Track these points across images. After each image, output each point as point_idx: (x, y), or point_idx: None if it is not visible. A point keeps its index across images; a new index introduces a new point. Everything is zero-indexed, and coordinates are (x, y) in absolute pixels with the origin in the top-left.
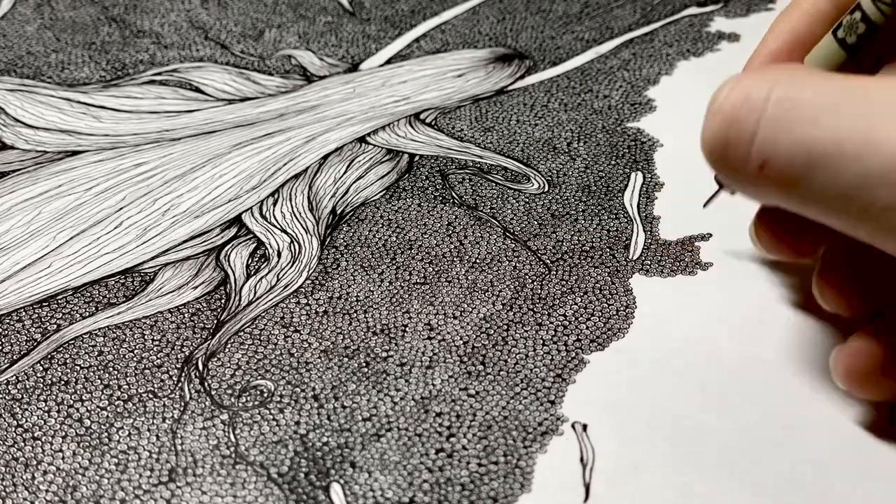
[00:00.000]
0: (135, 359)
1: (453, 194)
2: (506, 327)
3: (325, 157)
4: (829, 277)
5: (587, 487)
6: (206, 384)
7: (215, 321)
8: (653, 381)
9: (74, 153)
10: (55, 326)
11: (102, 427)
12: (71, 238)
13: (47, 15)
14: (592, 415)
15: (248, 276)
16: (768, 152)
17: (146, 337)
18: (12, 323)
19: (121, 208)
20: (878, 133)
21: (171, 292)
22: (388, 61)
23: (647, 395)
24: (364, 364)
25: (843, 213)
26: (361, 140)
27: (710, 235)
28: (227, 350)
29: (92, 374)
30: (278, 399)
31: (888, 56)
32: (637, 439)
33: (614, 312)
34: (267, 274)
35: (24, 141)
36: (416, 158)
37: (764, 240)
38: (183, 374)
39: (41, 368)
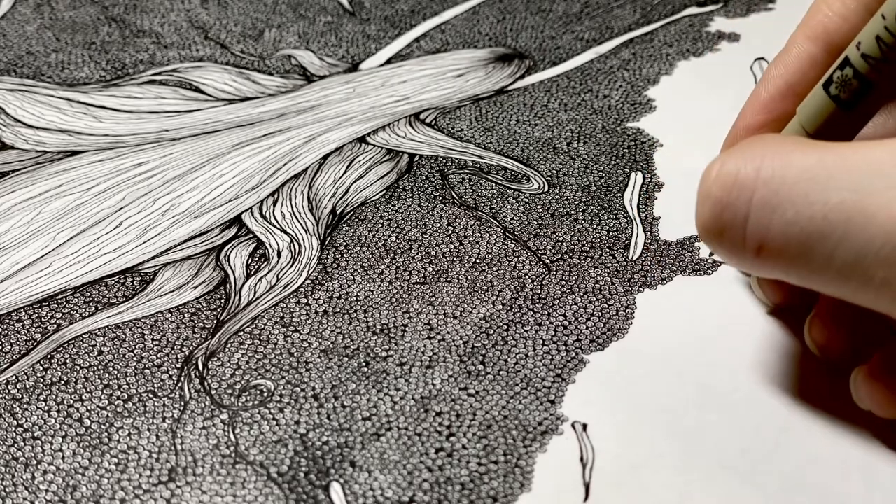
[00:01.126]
0: (135, 358)
1: (453, 194)
2: (506, 327)
3: (325, 157)
4: (825, 322)
5: (587, 487)
6: (205, 384)
7: (215, 321)
8: (653, 381)
9: (74, 153)
10: (55, 326)
11: (102, 427)
12: (71, 238)
13: (47, 15)
14: (592, 414)
15: (248, 276)
16: (763, 235)
17: (146, 337)
18: (12, 323)
19: (120, 208)
20: (868, 207)
21: (170, 292)
22: (388, 61)
23: (647, 394)
24: (364, 364)
25: (842, 288)
26: (361, 140)
27: None
28: (226, 350)
29: (92, 373)
30: (278, 398)
31: (872, 108)
32: (637, 439)
33: (614, 313)
34: (267, 274)
35: (24, 141)
36: (416, 158)
37: (766, 288)
38: (183, 374)
39: (41, 368)
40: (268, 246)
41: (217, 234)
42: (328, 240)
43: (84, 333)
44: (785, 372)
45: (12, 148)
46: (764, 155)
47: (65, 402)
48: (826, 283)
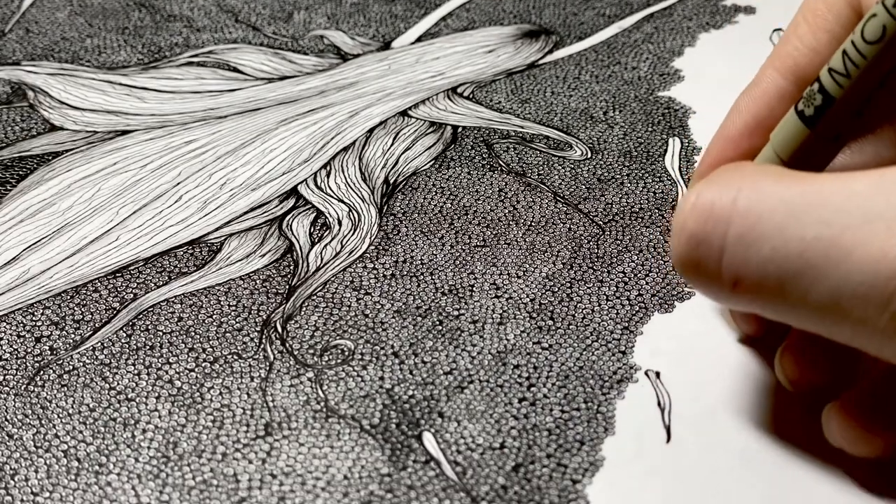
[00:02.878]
0: (214, 323)
1: (500, 162)
2: (569, 285)
3: (371, 131)
4: (795, 355)
5: (668, 429)
6: (287, 345)
7: (287, 286)
8: (719, 332)
9: (124, 132)
10: (132, 295)
11: (193, 387)
12: (134, 212)
13: (76, 2)
14: (663, 364)
15: (313, 244)
16: (739, 271)
17: (222, 303)
18: (89, 293)
19: (178, 183)
20: (845, 243)
21: (239, 261)
22: (419, 39)
23: (713, 344)
24: (437, 322)
25: (818, 324)
26: (403, 114)
27: None
28: (302, 313)
29: (175, 338)
30: (359, 357)
31: (848, 133)
32: (709, 385)
33: (671, 268)
34: (331, 241)
35: (73, 122)
36: (460, 130)
37: (737, 318)
38: (264, 337)
39: (125, 335)
40: (328, 215)
41: (276, 206)
42: (385, 208)
43: (161, 301)
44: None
45: (62, 129)
46: (740, 186)
47: (153, 365)
48: (802, 319)
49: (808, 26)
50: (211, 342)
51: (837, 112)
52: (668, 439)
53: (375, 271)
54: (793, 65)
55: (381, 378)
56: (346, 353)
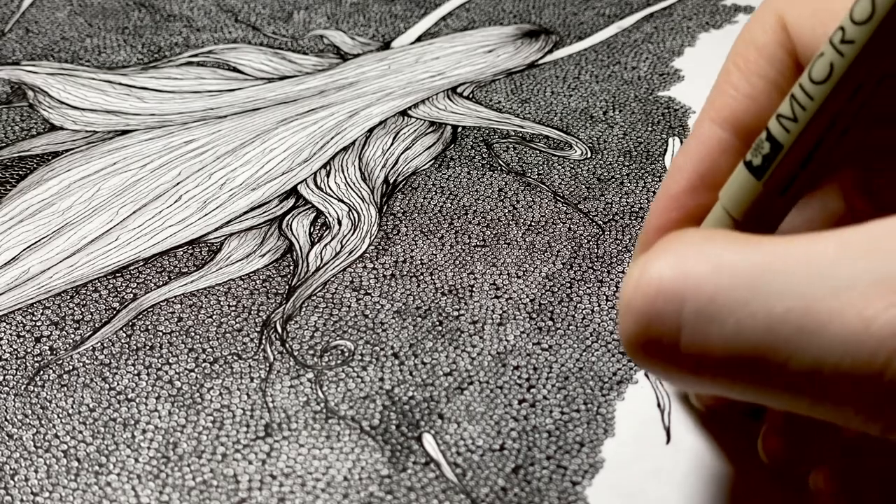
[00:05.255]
0: (214, 324)
1: (500, 162)
2: (568, 285)
3: (370, 131)
4: (779, 434)
5: (668, 430)
6: (287, 346)
7: (287, 287)
8: None
9: (124, 132)
10: (132, 295)
11: (193, 388)
12: (134, 212)
13: (76, 1)
14: None
15: (313, 244)
16: (700, 350)
17: (222, 303)
18: (89, 293)
19: (178, 183)
20: (818, 315)
21: (239, 261)
22: (418, 39)
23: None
24: (437, 323)
25: (795, 403)
26: (403, 114)
27: None
28: (302, 313)
29: (175, 338)
30: (359, 357)
31: (799, 186)
32: None
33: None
34: (331, 241)
35: (73, 122)
36: (460, 129)
37: (698, 395)
38: (263, 337)
39: (125, 335)
40: (327, 215)
41: (276, 205)
42: (385, 208)
43: (161, 301)
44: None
45: (61, 129)
46: (688, 255)
47: (153, 365)
48: (777, 399)
49: (740, 73)
50: (211, 342)
51: (787, 160)
52: (668, 440)
53: (375, 271)
54: (730, 115)
55: (381, 379)
56: (346, 354)
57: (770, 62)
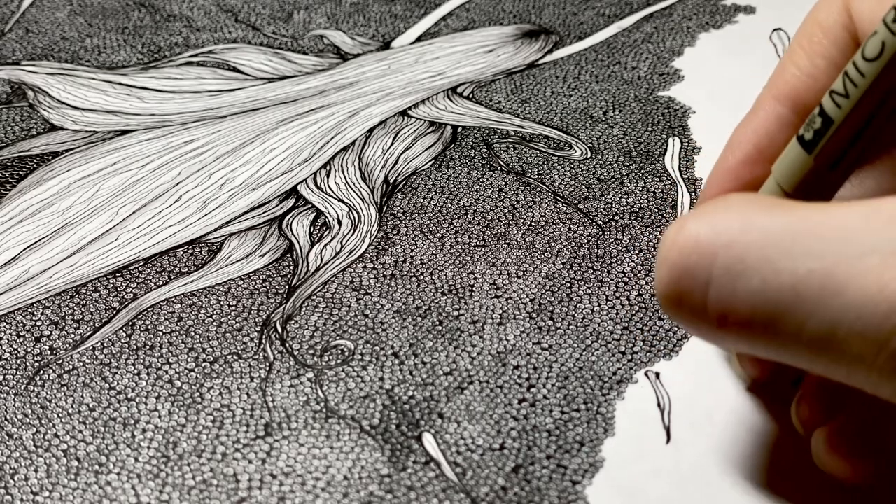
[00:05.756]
0: (214, 323)
1: (500, 162)
2: (568, 285)
3: (370, 131)
4: (811, 402)
5: (668, 430)
6: (287, 345)
7: (287, 286)
8: None
9: (124, 132)
10: (132, 295)
11: (193, 387)
12: (134, 212)
13: (76, 1)
14: (662, 364)
15: (313, 244)
16: (726, 305)
17: (222, 303)
18: (89, 293)
19: (178, 183)
20: (839, 277)
21: (239, 260)
22: (418, 39)
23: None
24: (437, 322)
25: (812, 362)
26: (403, 114)
27: None
28: (302, 313)
29: (175, 338)
30: (359, 357)
31: (849, 162)
32: (708, 386)
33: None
34: (331, 241)
35: (73, 122)
36: (460, 129)
37: (744, 362)
38: (263, 337)
39: (125, 335)
40: (327, 215)
41: (276, 205)
42: (385, 208)
43: (161, 301)
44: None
45: (61, 129)
46: (726, 217)
47: (153, 365)
48: (794, 357)
49: (804, 52)
50: (211, 342)
51: (838, 136)
52: (668, 440)
53: (375, 271)
54: (791, 92)
55: (381, 379)
56: (346, 354)
57: (833, 42)
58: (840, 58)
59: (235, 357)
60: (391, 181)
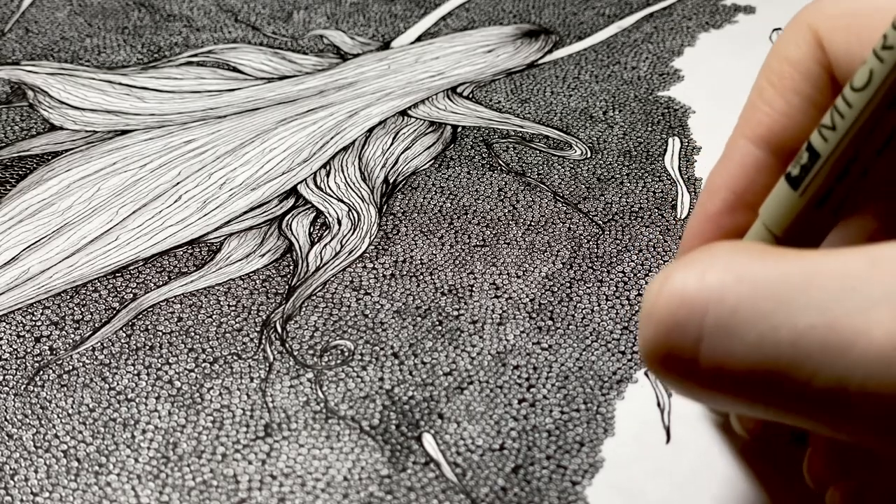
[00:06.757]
0: (214, 324)
1: (500, 162)
2: (568, 285)
3: (370, 131)
4: (822, 458)
5: (668, 430)
6: (287, 345)
7: (287, 286)
8: None
9: (124, 132)
10: (132, 295)
11: (193, 388)
12: (133, 212)
13: (76, 1)
14: None
15: (313, 244)
16: (720, 363)
17: (222, 303)
18: (89, 293)
19: (177, 183)
20: (844, 332)
21: (239, 260)
22: (418, 39)
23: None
24: (437, 322)
25: (816, 422)
26: (403, 114)
27: None
28: (302, 313)
29: (175, 338)
30: (359, 357)
31: (838, 202)
32: None
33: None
34: (330, 241)
35: (73, 122)
36: (459, 129)
37: (742, 416)
38: (263, 337)
39: (124, 335)
40: (327, 215)
41: (276, 205)
42: (385, 208)
43: (161, 301)
44: None
45: (61, 129)
46: (713, 266)
47: (153, 365)
48: (796, 418)
49: (774, 90)
50: (211, 342)
51: (825, 171)
52: (668, 440)
53: (375, 271)
54: (765, 132)
55: (381, 379)
56: (346, 354)
57: (805, 78)
58: (814, 92)
59: (235, 357)
60: (391, 181)
